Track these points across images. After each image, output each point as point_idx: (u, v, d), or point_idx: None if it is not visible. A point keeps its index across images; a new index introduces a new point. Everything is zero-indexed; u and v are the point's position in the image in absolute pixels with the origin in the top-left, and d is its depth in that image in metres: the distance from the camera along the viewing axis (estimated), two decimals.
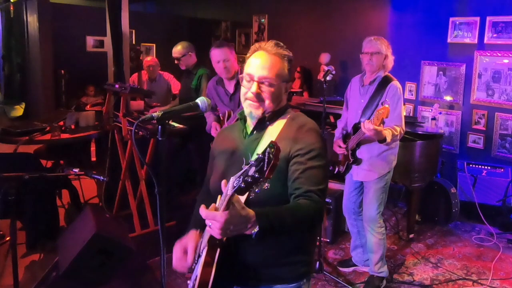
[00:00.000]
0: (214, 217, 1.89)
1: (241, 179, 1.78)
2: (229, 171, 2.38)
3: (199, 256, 2.29)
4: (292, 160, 2.25)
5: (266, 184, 1.94)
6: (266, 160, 1.72)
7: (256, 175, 1.73)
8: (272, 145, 1.74)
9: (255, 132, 2.43)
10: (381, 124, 4.01)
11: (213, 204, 2.02)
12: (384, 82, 4.52)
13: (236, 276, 2.35)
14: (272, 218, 2.03)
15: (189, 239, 2.40)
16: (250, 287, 2.39)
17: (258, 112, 2.37)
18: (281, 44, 2.43)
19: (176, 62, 6.22)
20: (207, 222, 1.94)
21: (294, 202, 2.19)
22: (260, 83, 2.33)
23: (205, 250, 2.18)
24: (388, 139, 4.19)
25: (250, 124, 2.46)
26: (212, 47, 4.97)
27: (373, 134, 4.11)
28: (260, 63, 2.35)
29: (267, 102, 2.35)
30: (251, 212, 1.96)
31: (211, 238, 2.12)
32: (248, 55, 2.44)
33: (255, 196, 2.21)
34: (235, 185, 1.81)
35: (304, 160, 2.23)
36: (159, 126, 2.15)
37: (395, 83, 4.50)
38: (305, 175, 2.21)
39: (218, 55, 4.89)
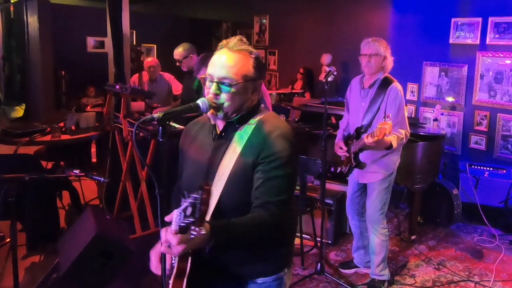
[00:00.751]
0: (171, 240, 1.90)
1: (180, 219, 1.85)
2: (197, 175, 2.36)
3: (172, 265, 2.27)
4: (257, 168, 2.20)
5: (203, 231, 1.88)
6: (198, 206, 1.79)
7: (190, 220, 1.83)
8: (202, 191, 1.79)
9: (223, 134, 2.33)
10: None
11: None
12: (384, 84, 4.47)
13: (217, 275, 2.35)
14: (227, 233, 2.06)
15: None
16: (233, 283, 2.39)
17: (219, 114, 2.25)
18: (245, 40, 2.33)
19: (177, 64, 6.19)
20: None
21: (251, 215, 2.17)
22: (219, 83, 2.21)
23: (176, 260, 2.17)
24: (394, 144, 4.18)
25: (219, 126, 2.35)
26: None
27: (375, 146, 4.14)
28: (220, 62, 2.24)
29: (227, 103, 2.22)
30: (206, 228, 1.95)
31: None
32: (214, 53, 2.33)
33: (223, 205, 2.20)
34: (177, 222, 1.86)
35: (268, 169, 2.17)
36: (160, 127, 2.10)
37: (396, 84, 4.45)
38: (267, 185, 2.17)
39: None
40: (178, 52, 6.14)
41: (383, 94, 4.43)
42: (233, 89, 2.21)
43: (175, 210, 1.88)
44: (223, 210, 2.19)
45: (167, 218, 1.97)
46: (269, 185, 2.16)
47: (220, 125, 2.35)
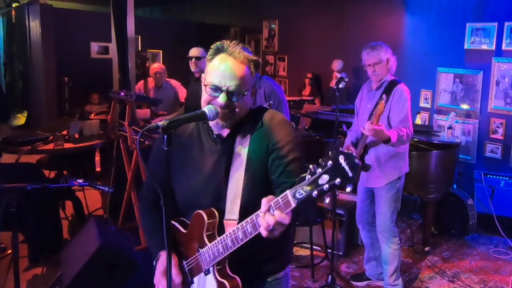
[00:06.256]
0: (283, 220, 1.91)
1: (305, 190, 1.83)
2: (209, 180, 2.36)
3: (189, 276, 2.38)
4: (272, 155, 2.27)
5: (349, 187, 1.82)
6: (347, 164, 1.75)
7: (336, 182, 1.77)
8: (350, 154, 1.76)
9: (228, 137, 2.36)
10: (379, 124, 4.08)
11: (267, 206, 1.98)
12: (390, 87, 4.52)
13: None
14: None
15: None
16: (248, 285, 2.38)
17: (228, 124, 2.30)
18: (249, 48, 2.34)
19: (192, 60, 6.07)
20: (267, 222, 1.94)
21: None
22: (229, 93, 2.22)
23: (215, 274, 2.26)
24: (393, 139, 4.17)
25: (219, 130, 2.35)
26: None
27: (373, 134, 4.15)
28: (229, 73, 2.23)
29: (236, 111, 2.26)
30: None
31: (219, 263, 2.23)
32: (209, 56, 2.34)
33: (249, 206, 2.19)
34: (298, 196, 1.85)
35: (285, 153, 2.25)
36: (165, 136, 2.07)
37: (401, 86, 4.50)
38: (289, 168, 2.23)
39: None
40: (198, 49, 6.08)
41: (389, 95, 4.46)
42: (242, 98, 2.25)
43: (289, 191, 1.88)
44: (249, 208, 2.15)
45: (264, 207, 1.96)
46: (291, 167, 2.23)
47: (223, 131, 2.36)
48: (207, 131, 2.40)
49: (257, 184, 2.27)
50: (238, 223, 2.18)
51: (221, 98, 2.20)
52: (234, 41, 2.33)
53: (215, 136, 2.37)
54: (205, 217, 2.25)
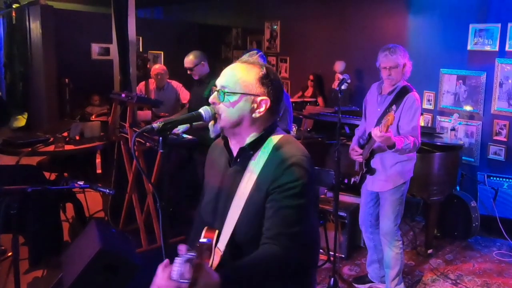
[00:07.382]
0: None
1: (178, 272, 1.73)
2: (213, 203, 2.31)
3: None
4: (269, 197, 2.09)
5: None
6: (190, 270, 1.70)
7: (185, 281, 1.71)
8: (197, 252, 1.71)
9: (238, 161, 2.25)
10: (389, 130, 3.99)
11: None
12: (403, 93, 4.44)
13: None
14: (239, 281, 1.95)
15: None
16: None
17: (217, 126, 2.17)
18: (256, 56, 2.28)
19: (189, 72, 6.06)
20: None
21: (260, 251, 2.06)
22: (219, 91, 2.14)
23: None
24: (399, 145, 4.13)
25: (233, 150, 2.28)
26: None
27: (382, 141, 4.11)
28: (224, 71, 2.20)
29: (223, 115, 2.14)
30: (214, 278, 1.80)
31: None
32: None
33: (238, 237, 2.12)
34: (176, 276, 1.75)
35: (280, 198, 2.06)
36: (160, 138, 2.04)
37: (413, 94, 4.41)
38: (279, 215, 2.06)
39: None
40: (189, 60, 6.01)
41: (399, 102, 4.40)
42: (229, 98, 2.14)
43: (177, 259, 1.77)
44: (238, 242, 2.11)
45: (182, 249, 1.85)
46: (281, 215, 2.05)
47: (234, 150, 2.27)
48: (226, 151, 2.32)
49: (252, 220, 2.12)
50: (223, 254, 2.13)
51: (211, 96, 2.17)
52: (255, 52, 2.28)
53: (230, 157, 2.29)
54: (203, 234, 2.22)
